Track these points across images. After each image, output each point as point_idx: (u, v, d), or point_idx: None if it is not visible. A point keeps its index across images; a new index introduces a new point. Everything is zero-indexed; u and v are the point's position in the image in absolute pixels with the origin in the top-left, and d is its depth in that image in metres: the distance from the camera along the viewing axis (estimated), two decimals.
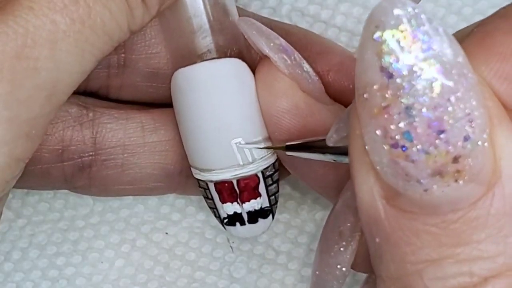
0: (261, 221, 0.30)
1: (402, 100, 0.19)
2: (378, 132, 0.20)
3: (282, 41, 0.28)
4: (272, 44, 0.28)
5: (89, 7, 0.21)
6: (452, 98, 0.19)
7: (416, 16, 0.19)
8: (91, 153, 0.30)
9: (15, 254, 0.34)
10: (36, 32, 0.21)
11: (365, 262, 0.25)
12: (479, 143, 0.20)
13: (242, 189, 0.29)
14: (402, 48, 0.19)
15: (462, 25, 0.34)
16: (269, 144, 0.29)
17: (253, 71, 0.29)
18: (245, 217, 0.29)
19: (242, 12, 0.30)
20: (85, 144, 0.30)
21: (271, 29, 0.29)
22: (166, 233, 0.34)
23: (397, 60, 0.19)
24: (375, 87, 0.20)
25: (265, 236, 0.34)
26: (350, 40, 0.34)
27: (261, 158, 0.29)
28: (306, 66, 0.28)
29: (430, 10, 0.34)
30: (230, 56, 0.29)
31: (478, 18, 0.34)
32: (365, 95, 0.20)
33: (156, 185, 0.31)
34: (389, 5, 0.19)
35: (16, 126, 0.21)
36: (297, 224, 0.34)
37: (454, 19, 0.34)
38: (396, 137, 0.20)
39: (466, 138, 0.19)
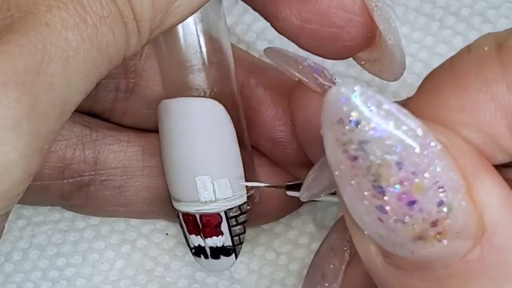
0: (223, 258, 0.30)
1: (369, 178, 0.20)
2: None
3: (310, 61, 0.29)
4: (300, 67, 0.28)
5: (96, 28, 0.21)
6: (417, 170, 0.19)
7: (368, 100, 0.19)
8: (91, 173, 0.30)
9: (15, 255, 0.34)
10: (52, 49, 0.20)
11: None
12: (455, 204, 0.20)
13: (205, 224, 0.29)
14: (361, 132, 0.19)
15: (461, 26, 0.34)
16: (240, 181, 0.29)
17: (245, 110, 0.30)
18: (208, 251, 0.30)
19: (236, 51, 0.30)
20: (86, 164, 0.30)
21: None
22: (167, 234, 0.34)
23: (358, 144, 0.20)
24: (342, 167, 0.20)
25: (266, 237, 0.34)
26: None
27: (225, 198, 0.29)
28: (338, 81, 0.29)
29: (428, 12, 0.34)
30: (213, 95, 0.29)
31: (477, 19, 0.34)
32: (336, 173, 0.20)
33: (148, 209, 0.32)
34: (340, 95, 0.20)
35: (34, 141, 0.21)
36: (297, 225, 0.34)
37: (453, 20, 0.34)
38: (372, 210, 0.20)
39: (440, 203, 0.20)
